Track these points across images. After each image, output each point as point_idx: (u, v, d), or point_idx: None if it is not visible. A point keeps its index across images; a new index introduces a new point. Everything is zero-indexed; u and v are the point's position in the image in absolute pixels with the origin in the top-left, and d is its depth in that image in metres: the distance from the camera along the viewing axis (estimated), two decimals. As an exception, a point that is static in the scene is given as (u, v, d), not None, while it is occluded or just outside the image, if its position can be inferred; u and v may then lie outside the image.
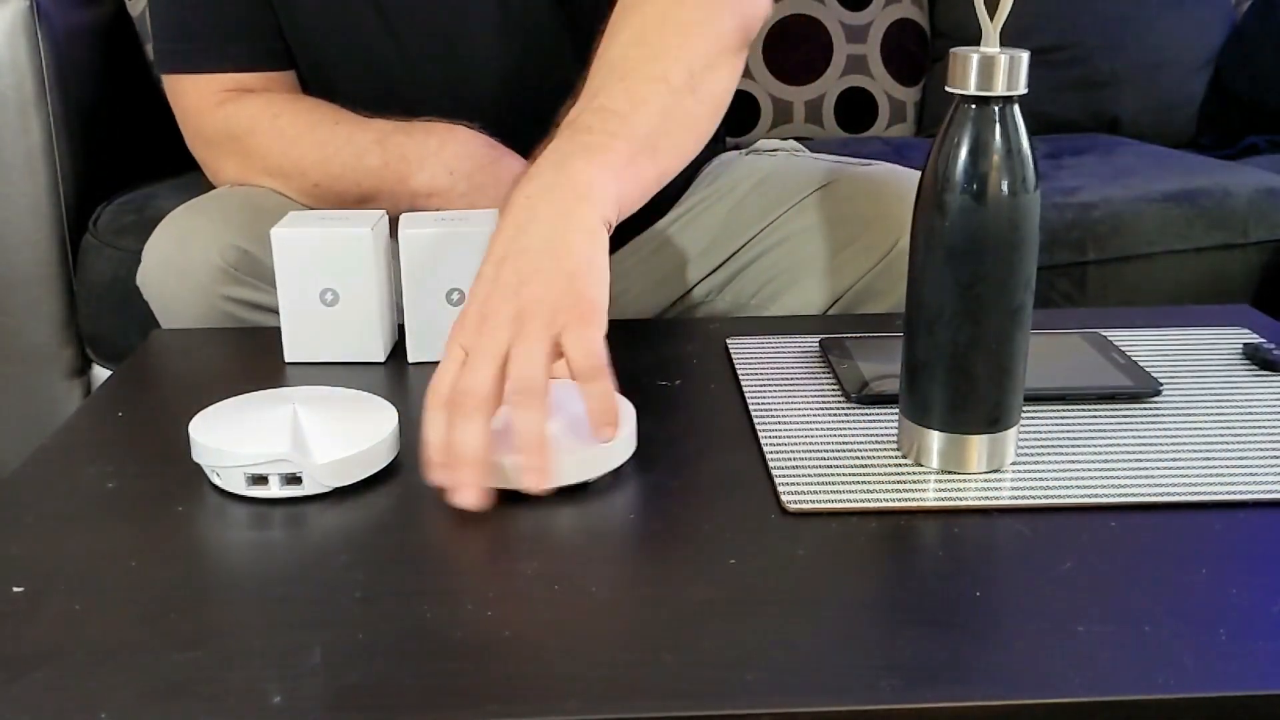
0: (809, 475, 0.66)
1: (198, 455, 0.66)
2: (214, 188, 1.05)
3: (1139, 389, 0.76)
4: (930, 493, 0.64)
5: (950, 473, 0.66)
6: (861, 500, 0.63)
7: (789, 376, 0.80)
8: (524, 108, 1.04)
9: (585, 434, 0.65)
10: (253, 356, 0.86)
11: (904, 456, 0.68)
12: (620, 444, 0.67)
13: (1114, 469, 0.67)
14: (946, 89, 0.63)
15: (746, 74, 2.01)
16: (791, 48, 2.04)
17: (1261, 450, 0.69)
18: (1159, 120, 2.05)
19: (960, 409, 0.65)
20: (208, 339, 0.90)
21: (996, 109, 0.62)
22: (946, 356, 0.64)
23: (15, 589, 0.56)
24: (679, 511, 0.63)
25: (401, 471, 0.68)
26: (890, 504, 0.63)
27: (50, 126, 1.45)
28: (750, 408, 0.75)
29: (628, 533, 0.62)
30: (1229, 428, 0.72)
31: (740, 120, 2.02)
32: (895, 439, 0.70)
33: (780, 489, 0.64)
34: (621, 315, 1.08)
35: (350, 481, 0.66)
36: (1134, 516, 0.62)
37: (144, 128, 1.65)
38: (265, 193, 1.00)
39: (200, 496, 0.65)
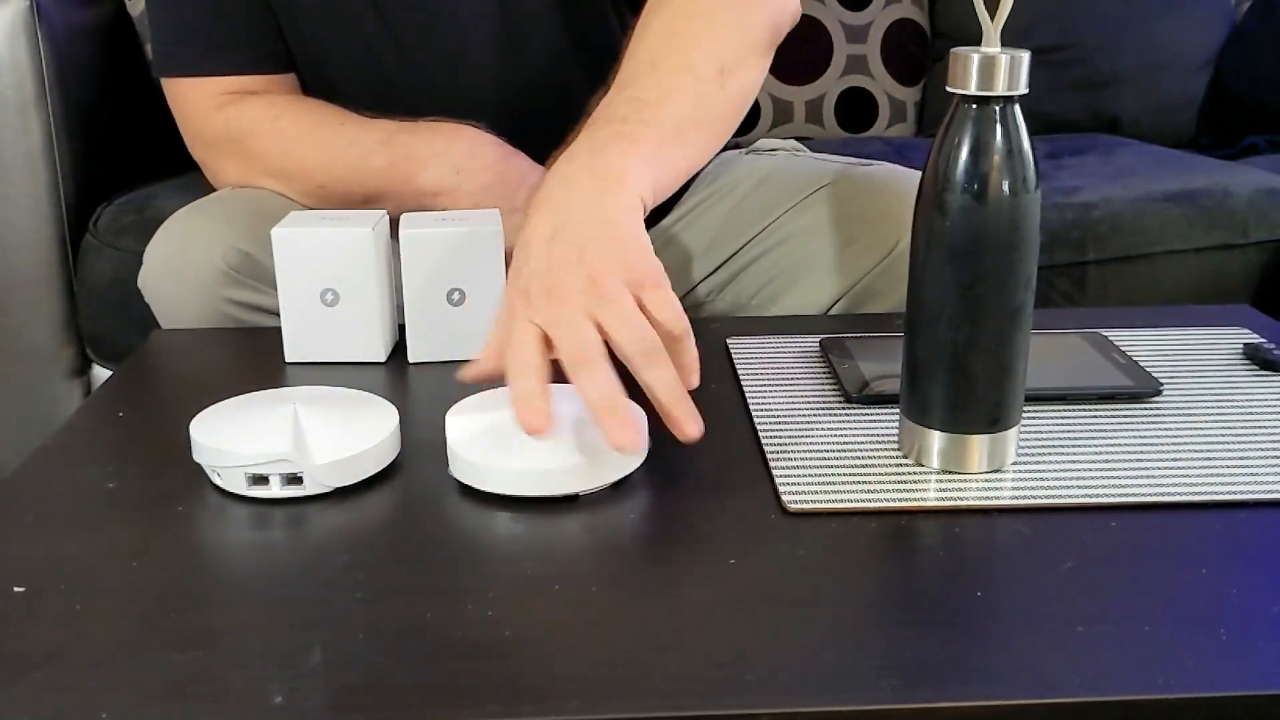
0: (809, 475, 0.66)
1: (198, 455, 0.66)
2: (215, 189, 1.05)
3: (1139, 389, 0.76)
4: (930, 493, 0.64)
5: (950, 473, 0.66)
6: (862, 500, 0.63)
7: (789, 376, 0.80)
8: (524, 109, 1.04)
9: (599, 443, 0.65)
10: (253, 356, 0.86)
11: (904, 456, 0.68)
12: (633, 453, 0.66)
13: (1114, 469, 0.67)
14: (947, 89, 0.63)
15: (746, 74, 2.01)
16: (791, 48, 2.03)
17: (1261, 450, 0.69)
18: (1159, 120, 2.05)
19: (961, 409, 0.65)
20: (208, 339, 0.90)
21: (997, 109, 0.62)
22: (947, 356, 0.65)
23: (15, 589, 0.56)
24: (679, 511, 0.63)
25: (401, 471, 0.68)
26: (890, 504, 0.63)
27: (50, 126, 1.45)
28: (750, 408, 0.75)
29: (628, 532, 0.62)
30: (1229, 428, 0.72)
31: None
32: (895, 439, 0.70)
33: (780, 489, 0.64)
34: (621, 315, 1.08)
35: (351, 481, 0.66)
36: (1134, 516, 0.62)
37: (144, 128, 1.65)
38: (267, 195, 1.00)
39: (200, 496, 0.65)
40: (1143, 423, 0.73)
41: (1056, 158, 1.78)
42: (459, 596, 0.55)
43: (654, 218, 1.09)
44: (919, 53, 2.11)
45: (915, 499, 0.64)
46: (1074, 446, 0.70)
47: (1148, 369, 0.79)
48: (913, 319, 0.66)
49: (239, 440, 0.65)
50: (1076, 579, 0.56)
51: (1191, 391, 0.77)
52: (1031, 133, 0.63)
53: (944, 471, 0.66)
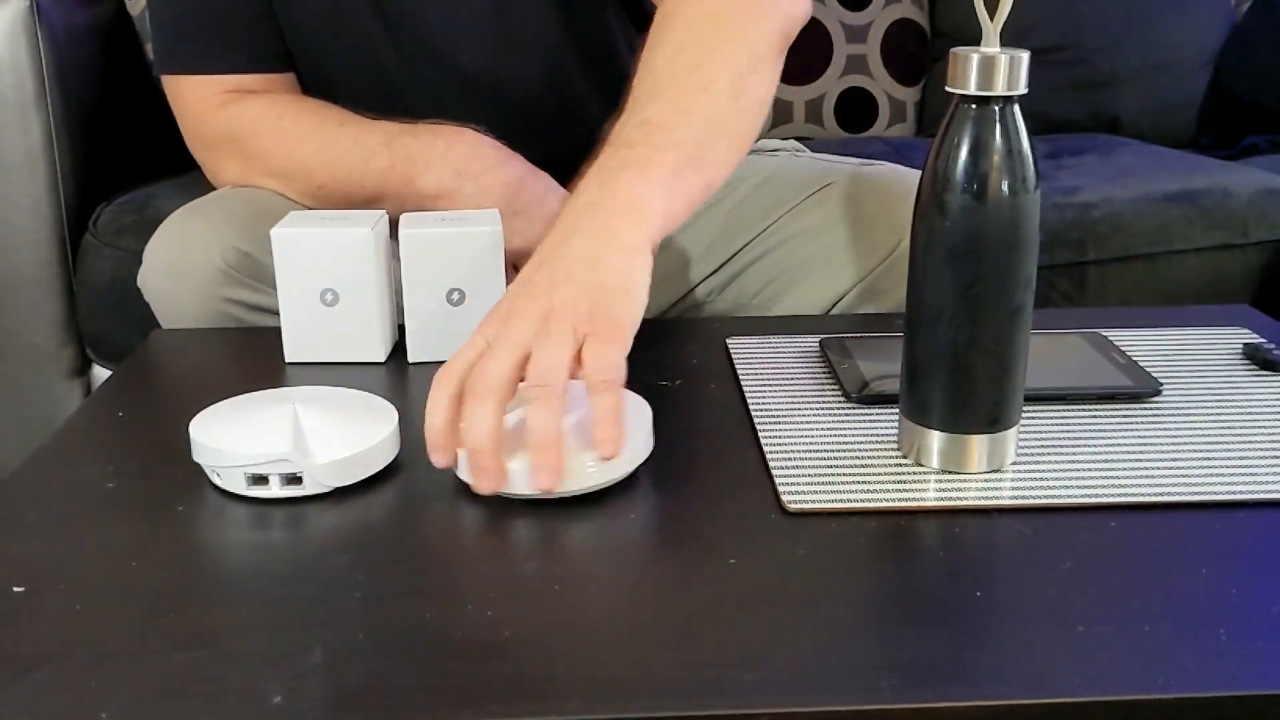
0: (809, 475, 0.66)
1: (198, 455, 0.66)
2: (214, 188, 1.05)
3: (1139, 389, 0.76)
4: (930, 493, 0.64)
5: (950, 473, 0.66)
6: (861, 500, 0.63)
7: (789, 376, 0.80)
8: (524, 113, 1.04)
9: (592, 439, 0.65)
10: (253, 356, 0.86)
11: (904, 456, 0.68)
12: (639, 447, 0.66)
13: (1114, 469, 0.67)
14: (946, 89, 0.63)
15: (746, 74, 2.01)
16: (791, 48, 2.04)
17: (1261, 450, 0.69)
18: (1159, 120, 2.05)
19: (960, 409, 0.65)
20: (208, 339, 0.90)
21: (997, 109, 0.62)
22: (947, 356, 0.65)
23: (15, 589, 0.56)
24: (679, 511, 0.63)
25: (401, 471, 0.68)
26: (890, 504, 0.63)
27: (50, 126, 1.45)
28: (750, 408, 0.75)
29: (628, 533, 0.62)
30: (1229, 428, 0.72)
31: (740, 120, 2.01)
32: (895, 439, 0.70)
33: (780, 489, 0.64)
34: (622, 315, 1.08)
35: (350, 481, 0.66)
36: (1134, 516, 0.62)
37: (144, 128, 1.65)
38: (266, 194, 1.00)
39: (200, 496, 0.65)
40: (1143, 423, 0.73)
41: (1056, 158, 1.78)
42: (459, 596, 0.55)
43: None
44: (919, 53, 2.11)
45: (915, 499, 0.64)
46: (1074, 446, 0.70)
47: (1148, 369, 0.79)
48: (913, 319, 0.66)
49: (239, 440, 0.65)
50: (1076, 579, 0.56)
51: (1191, 391, 0.77)
52: (1031, 133, 0.63)
53: (944, 471, 0.66)
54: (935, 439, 0.66)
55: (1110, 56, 2.04)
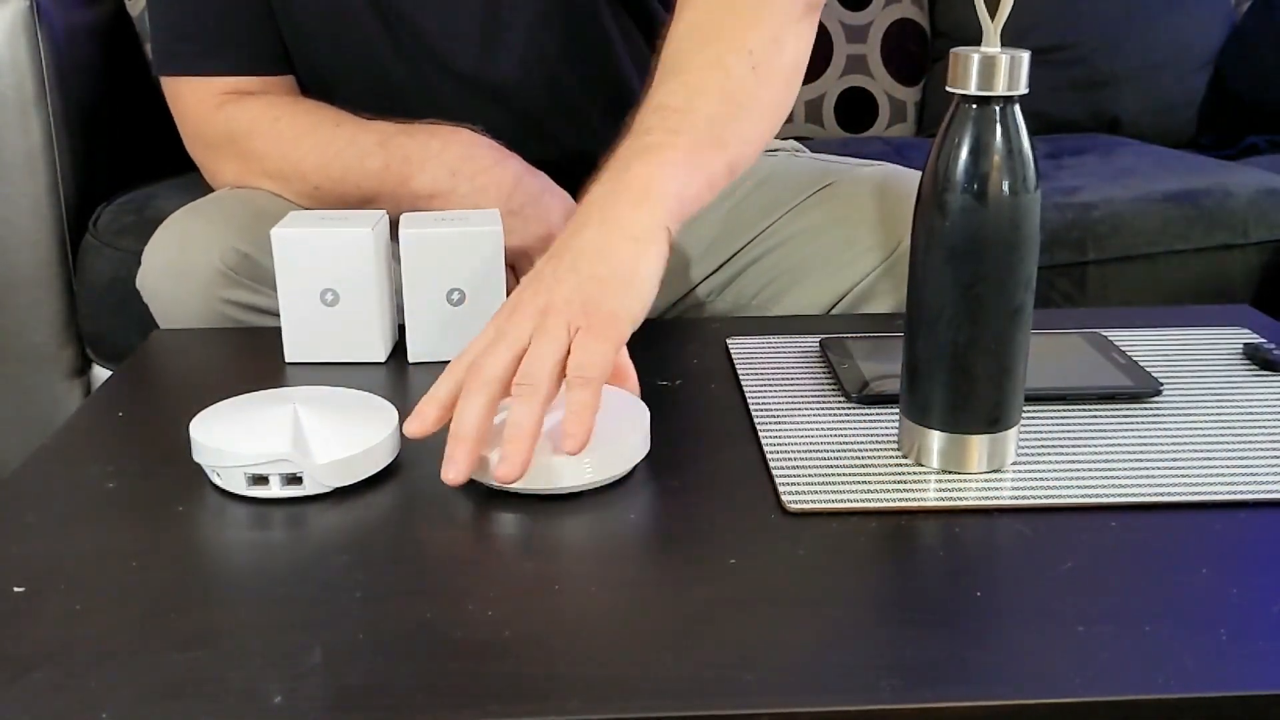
0: (809, 475, 0.66)
1: (198, 455, 0.66)
2: (213, 190, 1.05)
3: (1139, 389, 0.76)
4: (930, 493, 0.64)
5: (950, 473, 0.66)
6: (862, 500, 0.63)
7: (789, 376, 0.80)
8: (521, 113, 1.04)
9: (598, 438, 0.65)
10: (253, 356, 0.86)
11: (904, 456, 0.68)
12: (635, 447, 0.67)
13: (1114, 469, 0.67)
14: (947, 89, 0.63)
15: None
16: (791, 48, 2.04)
17: (1261, 450, 0.69)
18: (1159, 120, 2.05)
19: (960, 409, 0.65)
20: (208, 339, 0.90)
21: (997, 109, 0.62)
22: (947, 356, 0.65)
23: (15, 589, 0.56)
24: (679, 511, 0.63)
25: (401, 471, 0.68)
26: (890, 504, 0.63)
27: (50, 126, 1.45)
28: (750, 408, 0.75)
29: (628, 532, 0.62)
30: (1229, 428, 0.72)
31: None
32: (895, 439, 0.70)
33: (780, 489, 0.64)
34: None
35: (351, 481, 0.66)
36: (1134, 516, 0.62)
37: (144, 128, 1.65)
38: (266, 195, 1.00)
39: (200, 496, 0.65)
40: (1143, 423, 0.73)
41: (1056, 158, 1.78)
42: (459, 596, 0.55)
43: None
44: (919, 53, 2.11)
45: (915, 499, 0.64)
46: (1074, 446, 0.70)
47: (1148, 369, 0.79)
48: (913, 319, 0.66)
49: (239, 440, 0.65)
50: (1076, 579, 0.56)
51: (1191, 391, 0.77)
52: (1031, 133, 0.63)
53: (944, 471, 0.66)
54: (935, 439, 0.66)
55: (1110, 56, 2.04)
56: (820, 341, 0.85)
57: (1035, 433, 0.71)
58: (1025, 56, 0.61)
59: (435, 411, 0.65)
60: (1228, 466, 0.67)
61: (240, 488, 0.64)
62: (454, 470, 0.63)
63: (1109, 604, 0.54)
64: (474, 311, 0.84)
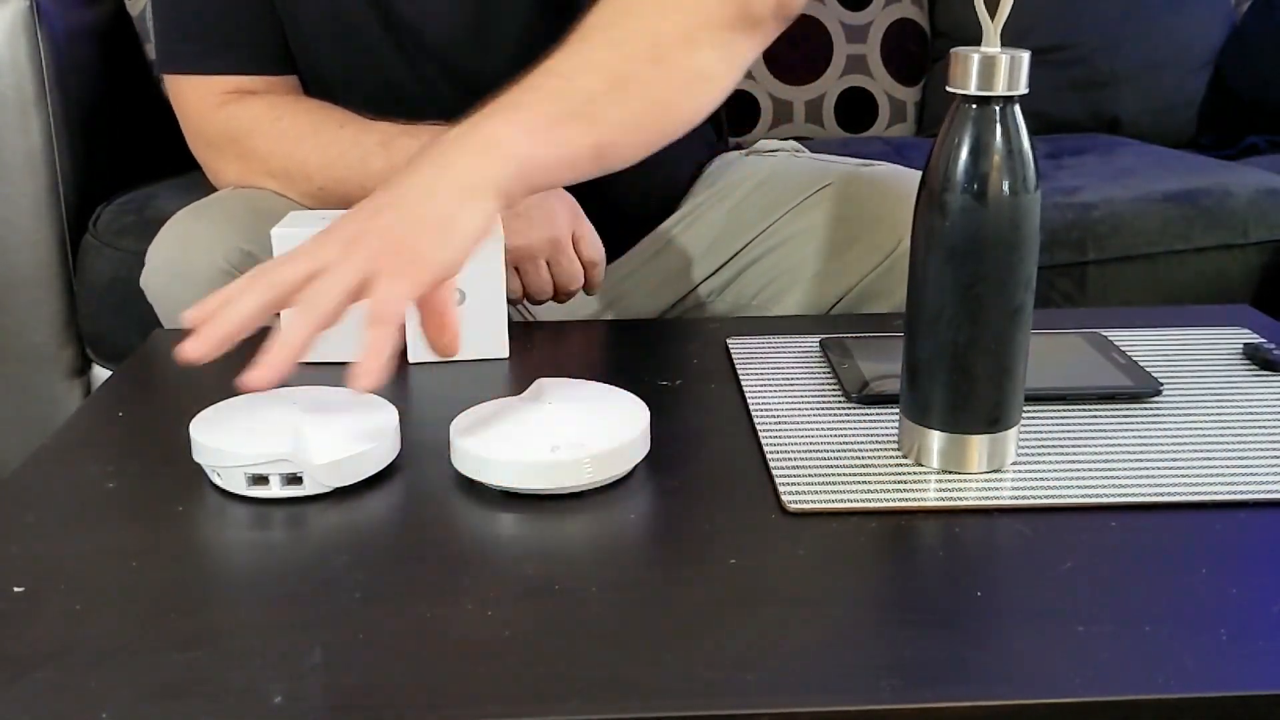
0: (809, 475, 0.66)
1: (198, 455, 0.66)
2: (215, 188, 1.05)
3: (1139, 389, 0.76)
4: (930, 493, 0.64)
5: (950, 473, 0.66)
6: (862, 500, 0.63)
7: (789, 376, 0.80)
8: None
9: (598, 438, 0.65)
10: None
11: (904, 456, 0.68)
12: (635, 447, 0.66)
13: (1114, 469, 0.67)
14: (947, 89, 0.63)
15: (747, 74, 2.01)
16: (791, 48, 2.04)
17: (1261, 450, 0.69)
18: (1159, 120, 2.05)
19: (960, 409, 0.65)
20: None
21: (997, 109, 0.62)
22: (947, 356, 0.64)
23: (15, 589, 0.56)
24: (679, 511, 0.63)
25: (401, 471, 0.68)
26: (890, 504, 0.63)
27: (50, 126, 1.45)
28: (750, 408, 0.75)
29: (628, 532, 0.62)
30: (1229, 428, 0.72)
31: (740, 120, 2.02)
32: (895, 439, 0.70)
33: (780, 489, 0.64)
34: (623, 316, 1.08)
35: (350, 482, 0.66)
36: (1134, 516, 0.62)
37: (144, 128, 1.65)
38: (269, 195, 1.00)
39: (200, 496, 0.65)
40: (1143, 423, 0.73)
41: (1056, 158, 1.78)
42: (459, 596, 0.55)
43: (655, 220, 1.09)
44: (919, 53, 2.11)
45: (915, 499, 0.64)
46: (1074, 446, 0.70)
47: (1148, 369, 0.79)
48: (913, 319, 0.66)
49: (239, 440, 0.65)
50: (1076, 579, 0.56)
51: (1191, 391, 0.77)
52: (1031, 133, 0.63)
53: (944, 471, 0.66)
54: (935, 439, 0.66)
55: (1110, 56, 2.04)
56: (820, 341, 0.85)
57: (1035, 433, 0.71)
58: (1025, 56, 0.61)
59: (211, 307, 0.63)
60: (1228, 466, 0.67)
61: (240, 488, 0.64)
62: (195, 347, 0.62)
63: (1109, 604, 0.54)
64: (474, 311, 0.84)
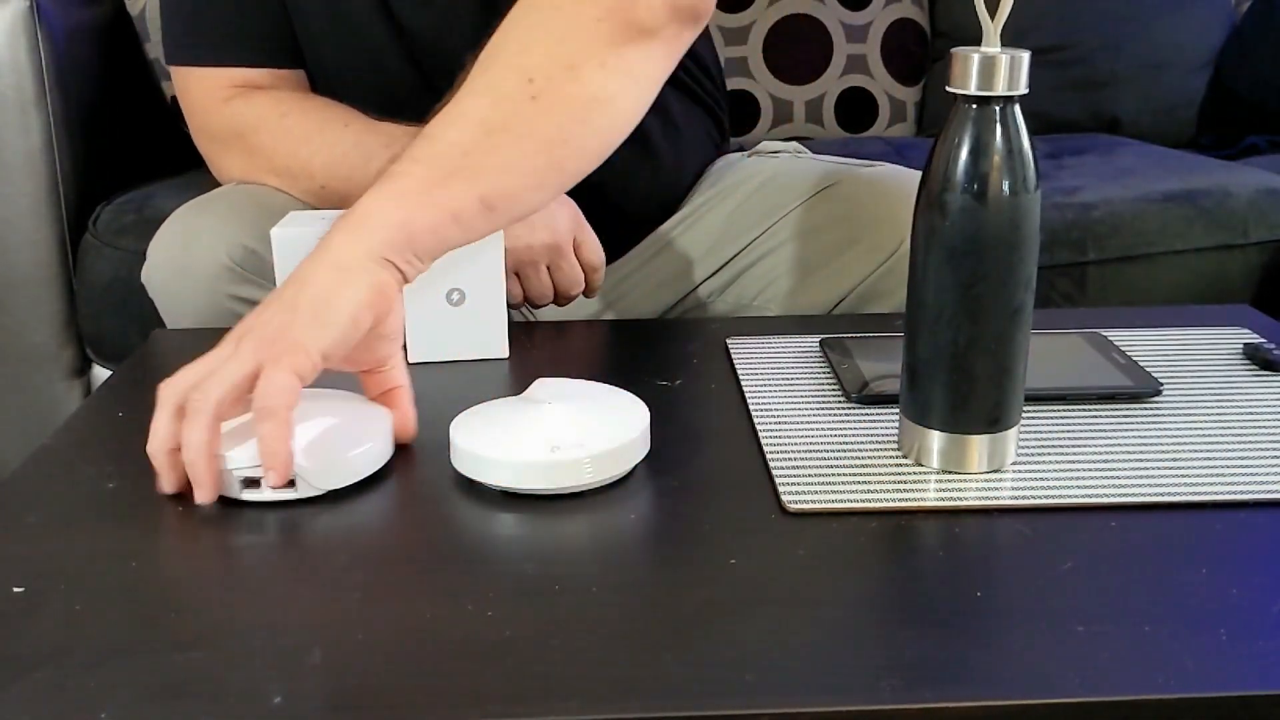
0: (809, 475, 0.66)
1: None
2: (216, 184, 1.04)
3: (1139, 389, 0.76)
4: (930, 493, 0.64)
5: (950, 473, 0.66)
6: (862, 500, 0.63)
7: (789, 376, 0.80)
8: None
9: (598, 438, 0.65)
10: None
11: (904, 456, 0.68)
12: (635, 447, 0.66)
13: (1114, 469, 0.67)
14: (947, 89, 0.63)
15: (746, 74, 2.02)
16: (791, 47, 2.04)
17: (1261, 450, 0.69)
18: (1159, 120, 2.05)
19: (960, 409, 0.65)
20: (208, 339, 0.90)
21: (997, 109, 0.62)
22: (947, 356, 0.64)
23: (15, 589, 0.56)
24: (679, 511, 0.63)
25: (401, 471, 0.68)
26: (890, 504, 0.63)
27: (50, 126, 1.45)
28: (750, 408, 0.75)
29: (628, 532, 0.62)
30: (1229, 428, 0.72)
31: (740, 120, 2.02)
32: (895, 439, 0.70)
33: (780, 489, 0.64)
34: (623, 316, 1.08)
35: (343, 484, 0.65)
36: (1134, 516, 0.62)
37: (144, 128, 1.65)
38: (271, 191, 1.00)
39: (200, 496, 0.65)
40: (1143, 423, 0.73)
41: (1056, 158, 1.78)
42: (459, 596, 0.55)
43: (656, 220, 1.09)
44: (919, 53, 2.11)
45: (915, 499, 0.64)
46: (1074, 446, 0.69)
47: (1148, 369, 0.79)
48: (913, 319, 0.66)
49: (232, 443, 0.64)
50: (1076, 579, 0.56)
51: (1191, 391, 0.77)
52: (1031, 133, 0.63)
53: (944, 471, 0.66)
54: (935, 439, 0.66)
55: (1110, 56, 2.04)
56: (820, 341, 0.85)
57: (1035, 433, 0.71)
58: (1025, 56, 0.61)
59: (168, 458, 0.65)
60: (1228, 466, 0.67)
61: (233, 491, 0.64)
62: (204, 492, 0.63)
63: (1109, 604, 0.54)
64: (474, 311, 0.84)
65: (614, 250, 1.04)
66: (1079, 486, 0.65)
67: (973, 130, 0.62)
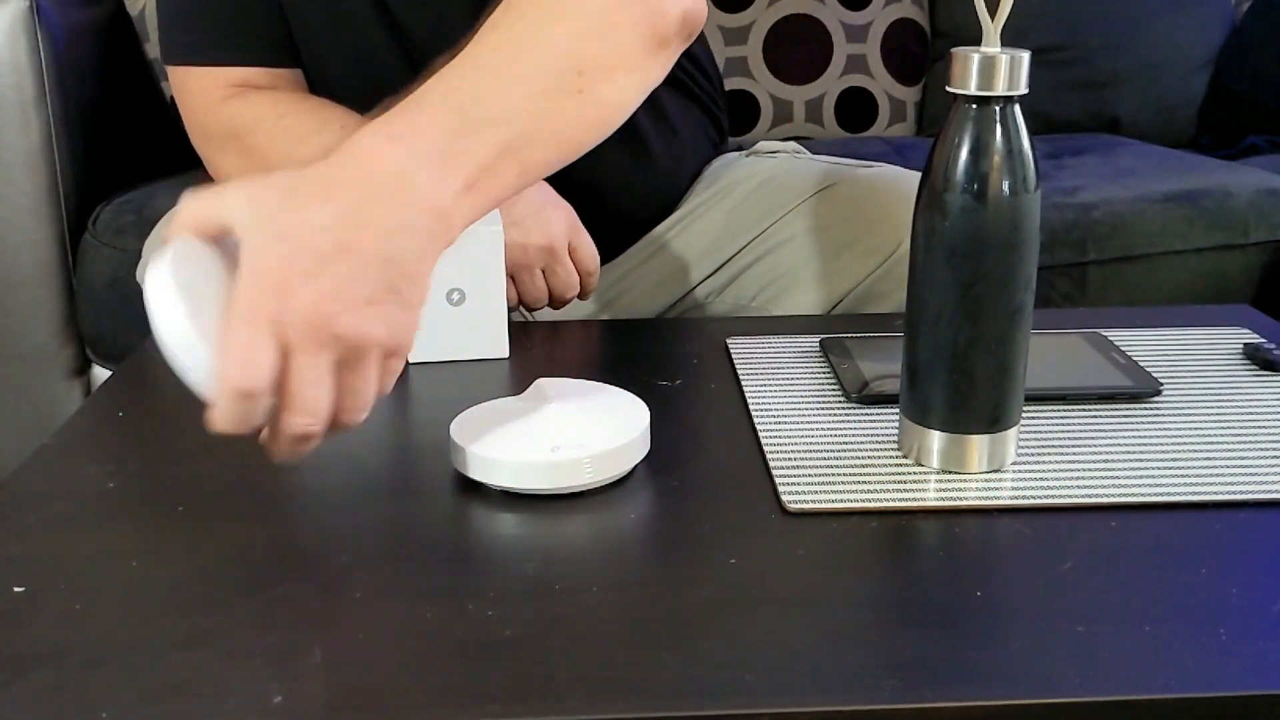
0: (809, 475, 0.66)
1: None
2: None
3: (1139, 389, 0.76)
4: (930, 493, 0.64)
5: (950, 473, 0.66)
6: (862, 500, 0.63)
7: (789, 376, 0.80)
8: None
9: (598, 438, 0.65)
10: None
11: (904, 456, 0.68)
12: (635, 447, 0.67)
13: (1114, 469, 0.67)
14: (947, 89, 0.63)
15: (747, 74, 2.02)
16: (791, 47, 2.04)
17: (1261, 450, 0.69)
18: (1159, 120, 2.05)
19: (960, 409, 0.65)
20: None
21: (997, 109, 0.62)
22: (947, 356, 0.64)
23: (15, 589, 0.56)
24: (679, 511, 0.63)
25: (402, 471, 0.68)
26: (890, 504, 0.63)
27: (50, 126, 1.45)
28: (750, 408, 0.75)
29: (628, 532, 0.62)
30: (1229, 428, 0.72)
31: (740, 120, 2.02)
32: (895, 439, 0.70)
33: (780, 489, 0.64)
34: (622, 316, 1.08)
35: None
36: (1134, 516, 0.62)
37: (144, 128, 1.65)
38: None
39: (200, 496, 0.65)
40: (1143, 423, 0.73)
41: (1056, 158, 1.78)
42: (459, 596, 0.55)
43: (652, 221, 1.09)
44: (919, 53, 2.11)
45: (915, 499, 0.64)
46: (1074, 446, 0.69)
47: (1148, 369, 0.79)
48: (913, 319, 0.66)
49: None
50: (1076, 579, 0.56)
51: (1191, 391, 0.77)
52: (1031, 133, 0.63)
53: (944, 471, 0.66)
54: (935, 439, 0.66)
55: (1110, 56, 2.04)
56: (820, 341, 0.85)
57: (1035, 433, 0.71)
58: (1025, 56, 0.61)
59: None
60: (1228, 466, 0.67)
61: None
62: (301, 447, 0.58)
63: (1109, 604, 0.54)
64: (474, 311, 0.84)
65: (612, 250, 1.04)
66: (1079, 486, 0.65)
67: (973, 130, 0.62)
